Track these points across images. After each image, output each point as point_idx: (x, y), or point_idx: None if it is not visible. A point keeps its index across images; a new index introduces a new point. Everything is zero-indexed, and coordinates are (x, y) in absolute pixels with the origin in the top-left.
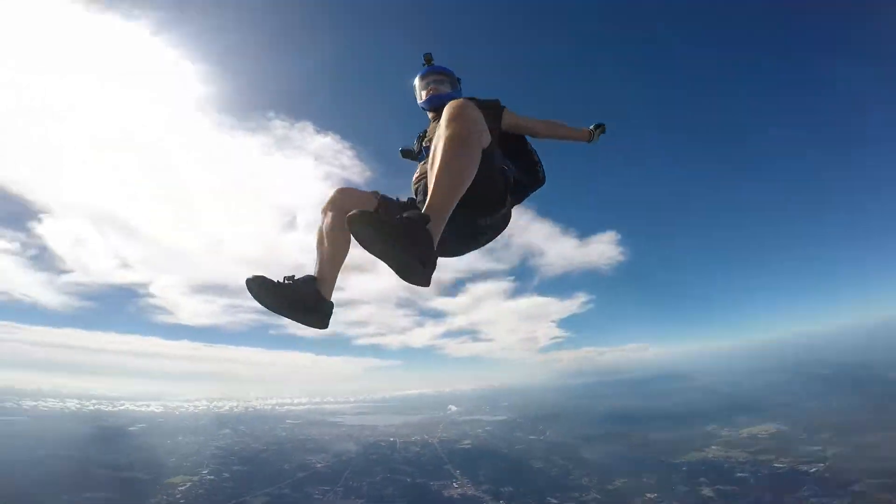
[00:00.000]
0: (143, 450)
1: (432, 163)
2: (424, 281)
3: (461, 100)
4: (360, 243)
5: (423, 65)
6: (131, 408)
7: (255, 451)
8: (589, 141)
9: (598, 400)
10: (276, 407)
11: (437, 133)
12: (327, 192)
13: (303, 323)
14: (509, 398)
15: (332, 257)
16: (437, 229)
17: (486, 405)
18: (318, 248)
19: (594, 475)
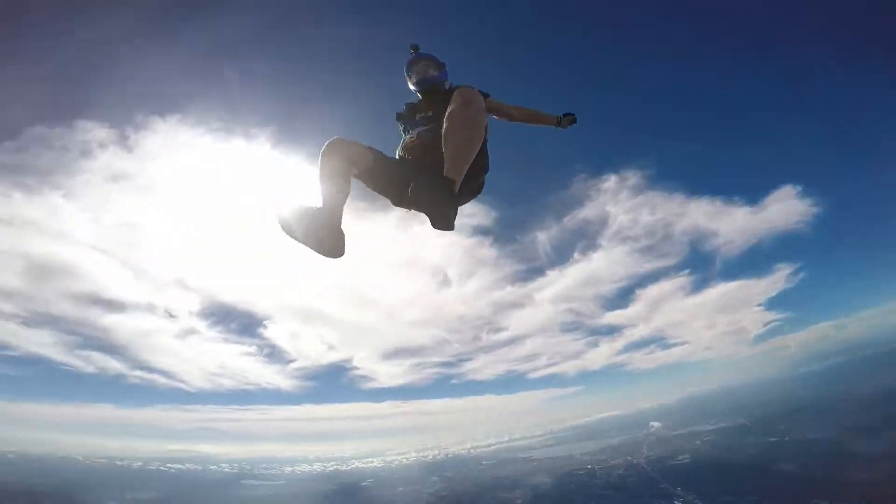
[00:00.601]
0: (375, 501)
1: (449, 135)
2: (451, 227)
3: (472, 88)
4: (410, 204)
5: (412, 53)
6: (359, 465)
7: (461, 493)
8: (556, 126)
9: (854, 382)
10: (471, 450)
11: (451, 111)
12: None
13: (324, 251)
14: (724, 402)
15: (339, 195)
16: (456, 188)
17: (696, 414)
18: (324, 187)
19: (879, 469)
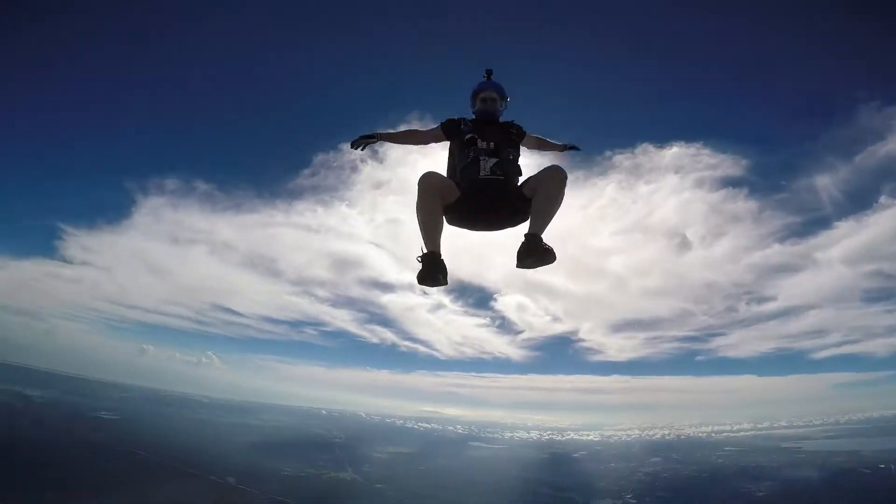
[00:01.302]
0: (581, 474)
1: (544, 202)
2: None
3: (564, 170)
4: (524, 264)
5: (485, 78)
6: (575, 437)
7: (685, 478)
8: (560, 151)
9: None
10: (713, 434)
11: (550, 184)
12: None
13: (439, 285)
14: None
15: (438, 230)
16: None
17: None
18: (426, 226)
19: None
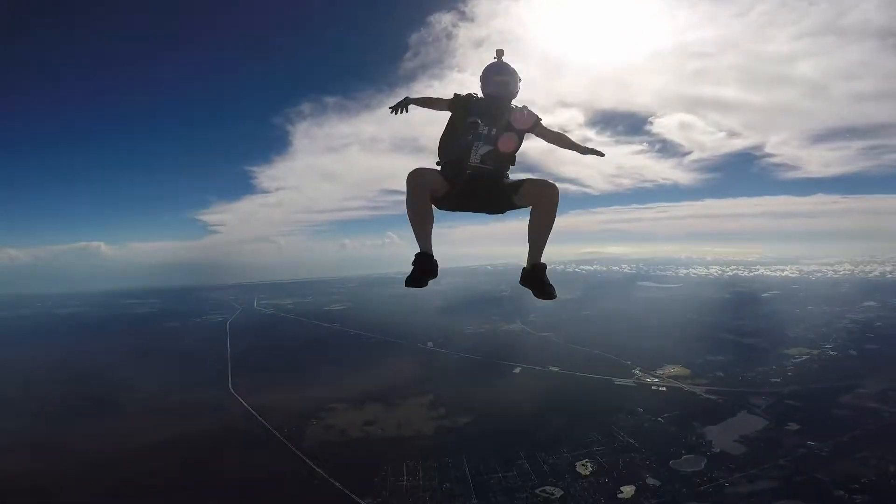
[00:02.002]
0: (769, 317)
1: (539, 229)
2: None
3: (557, 188)
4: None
5: (496, 58)
6: (766, 273)
7: None
8: (581, 153)
9: None
10: None
11: (545, 205)
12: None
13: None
14: None
15: (427, 227)
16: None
17: None
18: (415, 224)
19: None
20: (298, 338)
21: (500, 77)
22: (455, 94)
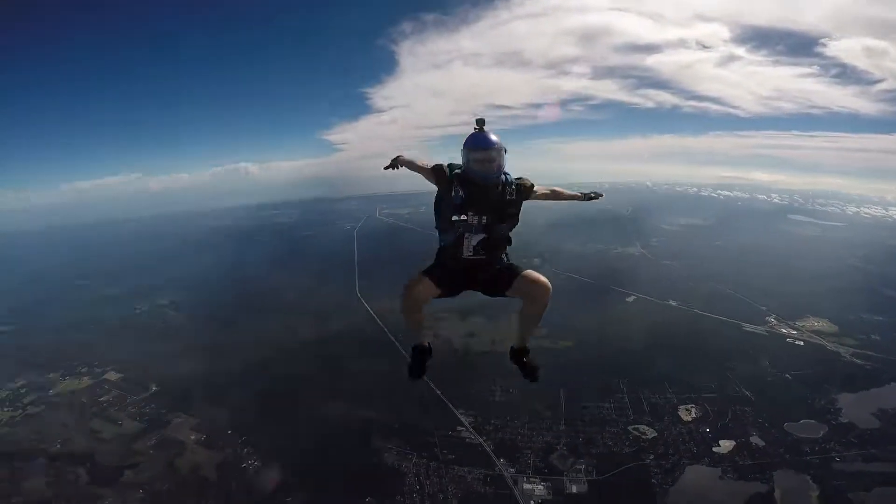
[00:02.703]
0: None
1: (528, 321)
2: (536, 377)
3: (549, 288)
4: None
5: (477, 129)
6: None
7: None
8: (582, 200)
9: None
10: None
11: (538, 299)
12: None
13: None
14: None
15: (419, 327)
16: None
17: None
18: (409, 320)
19: None
20: (414, 246)
21: (478, 154)
22: (436, 167)
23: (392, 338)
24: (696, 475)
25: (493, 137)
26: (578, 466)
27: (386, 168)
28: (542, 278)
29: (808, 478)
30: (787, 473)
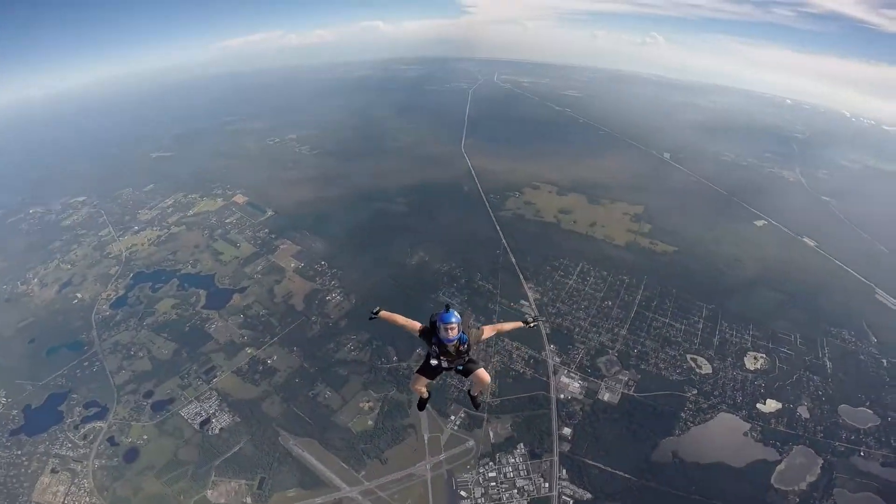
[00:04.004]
0: None
1: (477, 384)
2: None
3: (489, 382)
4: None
5: (447, 309)
6: None
7: None
8: (526, 326)
9: None
10: None
11: (481, 383)
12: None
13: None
14: None
15: (422, 393)
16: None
17: None
18: (416, 392)
19: None
20: (527, 114)
21: (444, 325)
22: (421, 331)
23: (483, 197)
24: (723, 424)
25: (454, 318)
26: (620, 377)
27: (370, 318)
28: (486, 379)
29: (820, 462)
30: (807, 452)
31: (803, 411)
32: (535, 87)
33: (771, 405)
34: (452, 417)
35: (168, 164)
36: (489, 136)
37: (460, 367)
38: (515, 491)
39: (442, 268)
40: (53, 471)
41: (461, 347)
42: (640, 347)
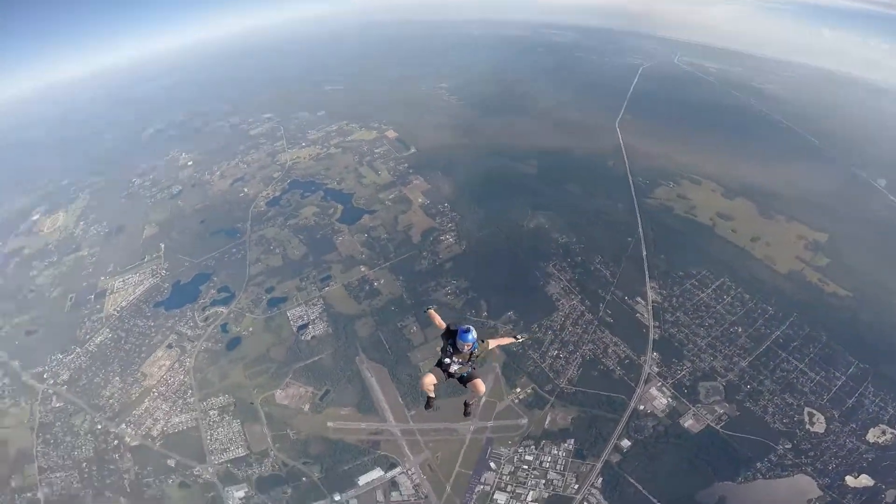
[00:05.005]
0: None
1: (473, 396)
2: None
3: (483, 390)
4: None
5: (468, 331)
6: None
7: None
8: (517, 340)
9: None
10: None
11: (478, 391)
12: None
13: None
14: None
15: (431, 392)
16: (471, 409)
17: None
18: (426, 391)
19: None
20: (705, 101)
21: (461, 342)
22: (445, 331)
23: (630, 177)
24: (794, 485)
25: (471, 336)
26: (716, 408)
27: (424, 311)
28: (482, 388)
29: None
30: None
31: (891, 496)
32: (724, 74)
33: (862, 480)
34: (518, 390)
35: (338, 96)
36: (652, 115)
37: (464, 375)
38: (543, 481)
39: (560, 238)
40: (169, 346)
41: (473, 352)
42: (755, 385)
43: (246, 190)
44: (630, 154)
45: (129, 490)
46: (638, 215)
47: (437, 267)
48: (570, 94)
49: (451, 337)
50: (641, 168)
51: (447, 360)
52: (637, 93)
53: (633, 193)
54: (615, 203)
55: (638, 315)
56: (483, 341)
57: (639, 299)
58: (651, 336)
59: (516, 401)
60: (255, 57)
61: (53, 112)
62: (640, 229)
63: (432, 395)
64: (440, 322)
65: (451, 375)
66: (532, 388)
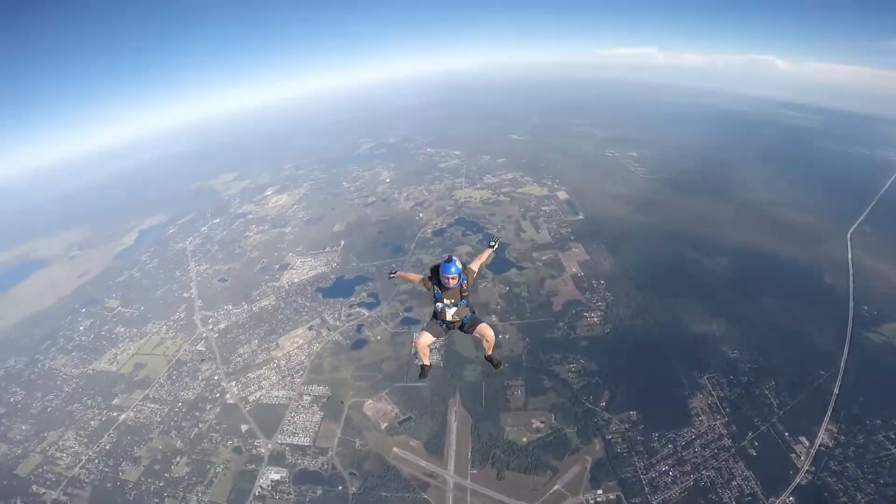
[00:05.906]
0: None
1: (485, 341)
2: (500, 365)
3: (492, 333)
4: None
5: (449, 259)
6: None
7: None
8: (494, 250)
9: None
10: None
11: (480, 333)
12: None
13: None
14: None
15: (426, 358)
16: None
17: None
18: (420, 356)
19: None
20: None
21: (445, 276)
22: (422, 280)
23: (851, 302)
24: None
25: (454, 266)
26: None
27: (389, 276)
28: (489, 332)
29: None
30: None
31: None
32: (841, 126)
33: None
34: (600, 492)
35: (520, 146)
36: None
37: (464, 322)
38: None
39: (729, 353)
40: (310, 327)
41: (462, 284)
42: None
43: (421, 215)
44: (859, 274)
45: (191, 438)
46: (847, 347)
47: (570, 341)
48: (793, 188)
49: (435, 277)
50: (871, 294)
51: (440, 305)
52: (888, 199)
53: (851, 322)
54: (819, 328)
55: (792, 455)
56: (466, 267)
57: (802, 438)
58: (797, 480)
59: (591, 502)
60: (454, 89)
61: (304, 118)
62: (843, 363)
63: (427, 362)
64: (414, 276)
65: (450, 327)
66: (616, 496)
